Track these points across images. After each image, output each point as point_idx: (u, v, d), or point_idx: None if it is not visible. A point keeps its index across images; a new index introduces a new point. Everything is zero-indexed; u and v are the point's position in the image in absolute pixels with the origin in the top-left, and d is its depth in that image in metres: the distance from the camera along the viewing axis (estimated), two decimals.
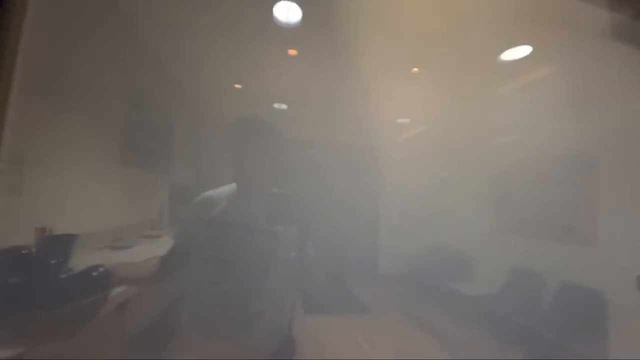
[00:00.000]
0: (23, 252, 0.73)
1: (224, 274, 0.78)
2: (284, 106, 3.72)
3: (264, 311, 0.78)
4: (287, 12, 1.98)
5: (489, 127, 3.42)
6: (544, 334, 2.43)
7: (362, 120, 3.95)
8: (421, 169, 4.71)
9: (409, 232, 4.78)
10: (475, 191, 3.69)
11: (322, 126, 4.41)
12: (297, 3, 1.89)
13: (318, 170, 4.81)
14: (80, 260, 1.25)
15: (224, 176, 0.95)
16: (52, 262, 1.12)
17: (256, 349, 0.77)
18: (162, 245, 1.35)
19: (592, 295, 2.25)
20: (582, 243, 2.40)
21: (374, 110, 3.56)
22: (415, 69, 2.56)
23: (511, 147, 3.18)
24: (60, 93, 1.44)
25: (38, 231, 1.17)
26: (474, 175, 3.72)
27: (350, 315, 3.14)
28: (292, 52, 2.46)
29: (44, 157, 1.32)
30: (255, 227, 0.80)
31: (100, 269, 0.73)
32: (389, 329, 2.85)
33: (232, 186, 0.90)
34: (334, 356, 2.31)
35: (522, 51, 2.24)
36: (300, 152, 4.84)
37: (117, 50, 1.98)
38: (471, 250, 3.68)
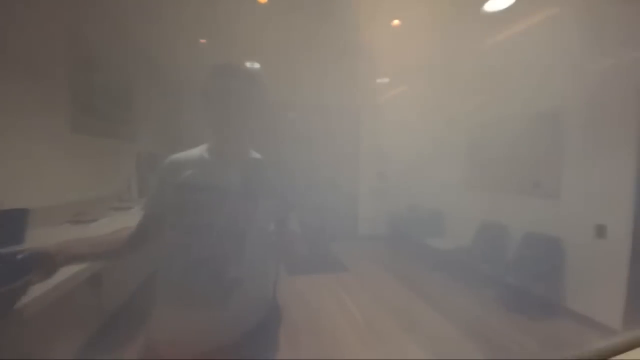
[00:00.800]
0: None
1: (196, 241, 0.71)
2: (257, 65, 3.44)
3: (243, 279, 0.73)
4: None
5: (466, 85, 3.41)
6: (509, 280, 2.66)
7: (340, 80, 3.78)
8: (399, 130, 4.72)
9: (386, 193, 4.90)
10: (449, 150, 3.77)
11: (297, 87, 4.18)
12: None
13: (295, 134, 4.66)
14: (37, 237, 1.13)
15: (195, 140, 0.84)
16: (5, 236, 1.00)
17: (236, 318, 0.73)
18: (132, 217, 1.25)
19: (553, 243, 2.45)
20: (546, 196, 2.56)
21: (352, 69, 3.40)
22: (396, 22, 2.40)
23: (486, 106, 3.21)
24: None
25: None
26: (449, 134, 3.78)
27: (332, 274, 3.25)
28: None
29: None
30: (229, 192, 0.73)
31: (25, 254, 0.66)
32: (369, 284, 3.00)
33: (203, 147, 0.81)
34: (319, 311, 2.41)
35: (505, 2, 2.15)
36: (276, 116, 4.63)
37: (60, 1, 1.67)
38: (445, 207, 3.85)
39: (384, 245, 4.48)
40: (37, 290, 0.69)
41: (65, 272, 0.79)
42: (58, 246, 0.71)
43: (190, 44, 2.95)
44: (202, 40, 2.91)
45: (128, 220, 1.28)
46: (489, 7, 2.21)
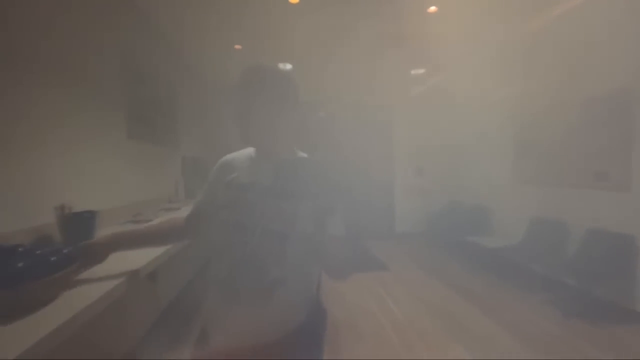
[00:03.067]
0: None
1: (242, 239, 0.74)
2: (289, 66, 3.50)
3: (286, 279, 0.73)
4: None
5: (512, 71, 3.15)
6: (568, 282, 2.42)
7: (373, 74, 3.70)
8: (437, 123, 4.50)
9: (425, 190, 4.71)
10: (495, 143, 3.52)
11: (330, 85, 4.18)
12: None
13: (329, 133, 4.66)
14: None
15: (236, 144, 0.87)
16: (79, 237, 1.13)
17: (280, 317, 0.74)
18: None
19: (622, 241, 2.18)
20: (614, 188, 2.29)
21: (385, 61, 3.30)
22: (433, 8, 2.29)
23: (536, 92, 2.94)
24: (59, 70, 1.35)
25: (57, 209, 1.15)
26: (493, 125, 3.52)
27: (372, 273, 3.21)
28: None
29: (47, 136, 1.27)
30: (272, 192, 0.74)
31: (71, 248, 0.78)
32: (409, 283, 2.91)
33: (252, 149, 0.84)
34: (360, 311, 2.39)
35: None
36: (310, 115, 4.67)
37: (114, 21, 1.85)
38: (490, 203, 3.60)
39: (424, 243, 4.31)
40: (100, 289, 0.76)
41: (123, 271, 0.88)
42: (107, 236, 0.84)
43: (227, 51, 3.08)
44: (238, 47, 3.02)
45: None
46: None
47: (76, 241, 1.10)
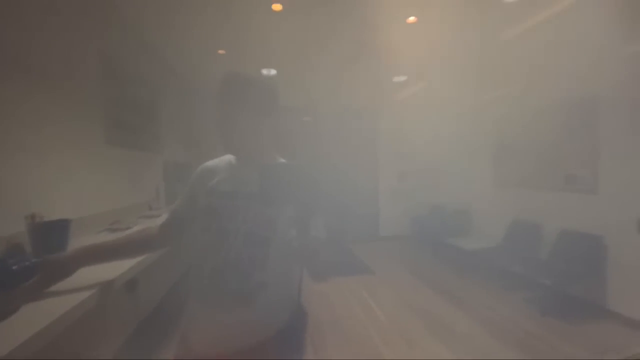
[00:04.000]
0: None
1: (223, 244, 0.75)
2: (273, 71, 3.51)
3: (268, 282, 0.75)
4: None
5: (488, 78, 3.29)
6: (543, 281, 2.52)
7: (356, 81, 3.76)
8: (419, 129, 4.62)
9: (408, 193, 4.80)
10: (474, 148, 3.64)
11: (314, 91, 4.21)
12: None
13: (313, 137, 4.69)
14: (79, 245, 1.20)
15: (217, 149, 0.88)
16: (50, 247, 1.09)
17: (262, 319, 0.75)
18: None
19: (592, 241, 2.30)
20: (583, 191, 2.41)
21: (368, 69, 3.37)
22: (412, 18, 2.36)
23: (511, 98, 3.08)
24: (37, 73, 1.31)
25: (28, 218, 1.10)
26: (472, 131, 3.65)
27: (356, 276, 3.23)
28: (276, 6, 2.24)
29: (22, 140, 1.22)
30: (252, 197, 0.76)
31: (31, 262, 0.78)
32: (393, 286, 2.94)
33: (232, 156, 0.85)
34: (344, 313, 2.40)
35: None
36: (293, 120, 4.68)
37: (93, 23, 1.80)
38: (471, 207, 3.72)
39: (407, 246, 4.38)
40: (77, 298, 0.75)
41: (95, 282, 0.86)
42: (75, 250, 0.80)
43: (210, 56, 3.07)
44: (221, 51, 3.01)
45: None
46: None
47: (48, 251, 1.07)
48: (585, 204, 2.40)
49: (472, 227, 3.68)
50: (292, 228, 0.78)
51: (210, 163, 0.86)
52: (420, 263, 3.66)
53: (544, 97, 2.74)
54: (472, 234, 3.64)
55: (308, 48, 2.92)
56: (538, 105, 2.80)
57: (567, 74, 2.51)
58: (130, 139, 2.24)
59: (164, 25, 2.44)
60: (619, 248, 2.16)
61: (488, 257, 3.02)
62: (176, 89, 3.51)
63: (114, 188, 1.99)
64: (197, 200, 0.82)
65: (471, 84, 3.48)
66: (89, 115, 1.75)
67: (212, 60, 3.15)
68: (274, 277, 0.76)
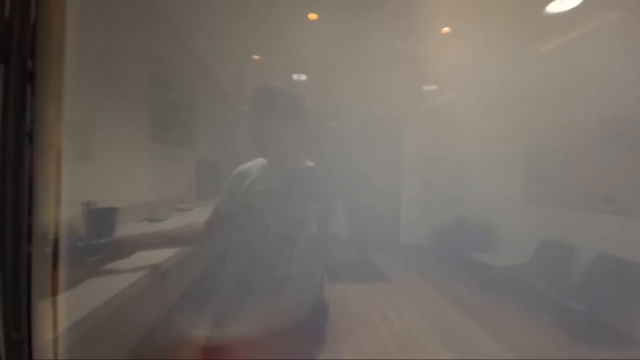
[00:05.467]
0: None
1: (255, 240, 0.85)
2: (303, 77, 3.61)
3: (293, 277, 0.84)
4: None
5: (524, 91, 3.18)
6: (574, 306, 2.39)
7: (385, 89, 3.78)
8: (446, 139, 4.53)
9: (431, 204, 4.71)
10: (503, 161, 3.53)
11: (342, 97, 4.27)
12: None
13: (339, 143, 4.74)
14: (122, 232, 1.33)
15: (247, 151, 0.97)
16: (100, 230, 1.22)
17: (287, 309, 0.84)
18: (193, 218, 1.44)
19: (629, 267, 2.16)
20: (622, 213, 2.27)
21: (398, 78, 3.38)
22: (446, 29, 2.36)
23: (549, 112, 2.96)
24: (97, 78, 1.47)
25: (84, 205, 1.24)
26: (503, 144, 3.54)
27: (374, 284, 3.22)
28: (312, 16, 2.32)
29: (87, 137, 1.38)
30: (282, 198, 0.85)
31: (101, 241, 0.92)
32: (412, 297, 2.91)
33: (264, 160, 0.95)
34: (361, 319, 2.41)
35: (570, 2, 2.00)
36: (321, 125, 4.76)
37: (141, 29, 1.98)
38: (497, 221, 3.59)
39: (428, 258, 4.30)
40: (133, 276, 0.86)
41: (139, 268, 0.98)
42: (136, 235, 0.97)
43: (245, 61, 3.22)
44: (256, 57, 3.15)
45: (190, 220, 1.47)
46: (550, 9, 2.07)
47: (99, 235, 1.19)
48: (624, 227, 2.26)
49: (499, 243, 3.55)
50: (313, 225, 0.86)
51: (246, 165, 0.96)
52: (441, 275, 3.58)
53: (582, 112, 2.62)
54: (498, 249, 3.51)
55: (339, 55, 2.99)
56: (575, 121, 2.68)
57: (609, 89, 2.39)
58: (169, 137, 2.41)
59: (204, 31, 2.61)
60: None
61: (514, 275, 2.90)
62: (211, 92, 3.70)
63: (153, 182, 2.15)
64: (233, 199, 0.92)
65: (504, 96, 3.39)
66: (138, 115, 1.92)
67: (247, 65, 3.30)
68: (298, 272, 0.85)
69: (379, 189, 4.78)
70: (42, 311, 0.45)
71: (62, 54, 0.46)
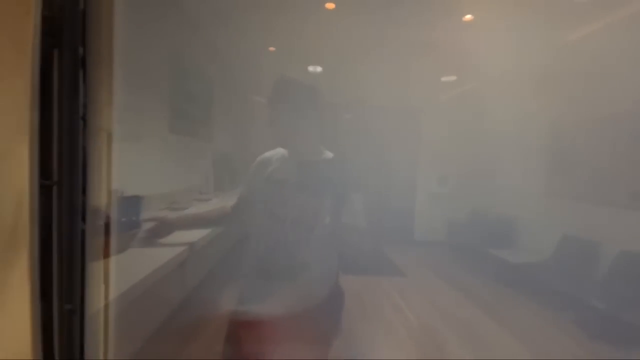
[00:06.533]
0: None
1: (274, 227, 0.89)
2: (319, 68, 3.58)
3: (309, 263, 0.89)
4: None
5: (548, 81, 3.05)
6: (596, 304, 2.32)
7: (402, 79, 3.70)
8: (465, 131, 4.42)
9: (447, 198, 4.63)
10: (524, 154, 3.42)
11: (359, 88, 4.22)
12: None
13: (355, 135, 4.70)
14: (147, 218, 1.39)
15: (263, 142, 0.99)
16: (128, 217, 1.28)
17: (305, 293, 0.89)
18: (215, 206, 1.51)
19: None
20: None
21: (416, 68, 3.30)
22: (468, 17, 2.28)
23: (574, 105, 2.83)
24: (124, 70, 1.52)
25: (114, 192, 1.31)
26: (524, 136, 3.42)
27: (388, 278, 3.22)
28: (330, 5, 2.29)
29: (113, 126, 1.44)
30: (301, 187, 0.89)
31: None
32: (425, 291, 2.90)
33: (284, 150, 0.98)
34: (375, 312, 2.43)
35: None
36: (336, 116, 4.73)
37: (160, 19, 2.01)
38: (518, 216, 3.50)
39: (444, 252, 4.25)
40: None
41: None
42: (176, 217, 1.13)
43: (261, 53, 3.22)
44: (272, 49, 3.15)
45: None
46: None
47: (127, 221, 1.25)
48: None
49: (518, 239, 3.47)
50: (326, 215, 0.89)
51: (267, 154, 1.00)
52: (457, 271, 3.54)
53: (609, 104, 2.49)
54: (518, 246, 3.43)
55: (356, 45, 2.95)
56: (602, 113, 2.55)
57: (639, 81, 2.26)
58: (187, 128, 2.46)
59: (221, 23, 2.61)
60: None
61: (534, 272, 2.84)
62: (228, 84, 3.74)
63: (173, 172, 2.21)
64: (256, 187, 0.97)
65: (527, 87, 3.26)
66: (158, 105, 1.96)
67: (263, 56, 3.30)
68: (315, 259, 0.90)
69: (394, 181, 4.74)
70: (93, 281, 0.49)
71: (111, 41, 0.48)
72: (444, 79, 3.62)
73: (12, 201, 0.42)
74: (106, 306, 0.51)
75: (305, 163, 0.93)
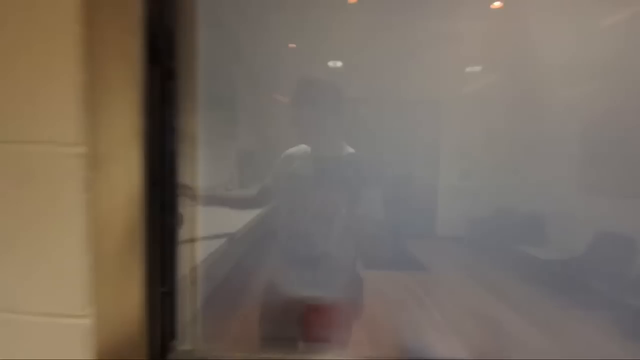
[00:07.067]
0: None
1: (296, 219, 0.99)
2: (339, 63, 3.57)
3: (330, 253, 0.97)
4: None
5: (581, 71, 2.89)
6: (630, 302, 2.22)
7: (425, 71, 3.63)
8: (489, 123, 4.28)
9: (470, 193, 4.52)
10: (554, 147, 3.28)
11: (381, 82, 4.17)
12: None
13: (376, 129, 4.66)
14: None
15: (285, 140, 1.05)
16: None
17: (327, 279, 0.97)
18: None
19: None
20: None
21: (439, 59, 3.22)
22: (497, 4, 2.20)
23: (609, 94, 2.68)
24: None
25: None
26: (554, 128, 3.27)
27: (410, 273, 3.22)
28: None
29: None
30: (320, 183, 0.96)
31: None
32: (449, 287, 2.88)
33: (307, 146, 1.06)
34: (399, 306, 2.45)
35: None
36: (357, 111, 4.70)
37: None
38: (546, 212, 3.38)
39: (468, 248, 4.18)
40: None
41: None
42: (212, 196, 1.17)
43: (283, 49, 3.24)
44: (292, 45, 3.16)
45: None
46: None
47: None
48: None
49: (548, 235, 3.36)
50: (344, 208, 0.97)
51: (291, 150, 1.07)
52: (481, 268, 3.48)
53: None
54: (547, 242, 3.33)
55: (378, 39, 2.91)
56: (634, 104, 2.41)
57: None
58: (215, 127, 2.54)
59: (242, 20, 2.65)
60: None
61: (565, 269, 2.74)
62: (250, 82, 3.80)
63: (202, 167, 2.30)
64: (279, 180, 1.05)
65: (557, 77, 3.11)
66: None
67: (284, 53, 3.33)
68: (335, 249, 0.98)
69: (415, 175, 4.68)
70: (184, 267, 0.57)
71: (195, 56, 0.56)
72: (468, 69, 3.52)
73: (126, 198, 0.49)
74: (193, 289, 0.59)
75: (327, 159, 1.00)
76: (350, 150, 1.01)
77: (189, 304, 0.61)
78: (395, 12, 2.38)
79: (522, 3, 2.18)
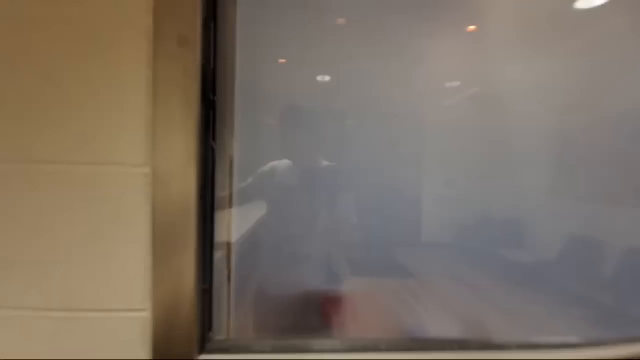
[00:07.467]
0: None
1: (279, 225, 1.10)
2: (327, 78, 3.71)
3: (311, 255, 1.07)
4: None
5: (553, 85, 3.15)
6: (603, 301, 2.38)
7: (407, 86, 3.82)
8: (470, 134, 4.50)
9: (454, 200, 4.69)
10: (529, 155, 3.49)
11: (364, 95, 4.34)
12: None
13: (360, 140, 4.80)
14: None
15: (272, 152, 1.16)
16: None
17: (307, 279, 1.09)
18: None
19: None
20: None
21: (420, 75, 3.42)
22: (472, 27, 2.40)
23: (577, 106, 2.93)
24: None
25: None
26: (532, 138, 3.50)
27: (398, 280, 3.29)
28: (340, 20, 2.43)
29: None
30: (301, 192, 1.09)
31: None
32: (437, 292, 2.97)
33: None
34: (389, 311, 2.51)
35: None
36: (341, 123, 4.83)
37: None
38: (524, 217, 3.57)
39: (452, 255, 4.31)
40: None
41: None
42: None
43: (273, 64, 3.35)
44: (282, 61, 3.28)
45: None
46: (578, 5, 2.08)
47: None
48: None
49: (525, 239, 3.54)
50: (322, 211, 1.10)
51: (275, 163, 1.23)
52: (466, 273, 3.60)
53: (611, 106, 2.59)
54: (525, 246, 3.50)
55: (362, 56, 3.07)
56: (604, 114, 2.65)
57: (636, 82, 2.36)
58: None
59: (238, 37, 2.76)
60: None
61: (542, 271, 2.91)
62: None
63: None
64: (261, 187, 1.18)
65: (533, 92, 3.36)
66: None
67: (274, 68, 3.43)
68: (316, 251, 1.08)
69: (398, 185, 4.81)
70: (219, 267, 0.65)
71: (233, 89, 0.66)
72: (448, 84, 3.74)
73: (182, 209, 0.57)
74: (229, 286, 0.66)
75: (306, 171, 1.14)
76: (329, 163, 1.18)
77: (224, 299, 0.68)
78: (377, 32, 2.55)
79: (494, 26, 2.40)
